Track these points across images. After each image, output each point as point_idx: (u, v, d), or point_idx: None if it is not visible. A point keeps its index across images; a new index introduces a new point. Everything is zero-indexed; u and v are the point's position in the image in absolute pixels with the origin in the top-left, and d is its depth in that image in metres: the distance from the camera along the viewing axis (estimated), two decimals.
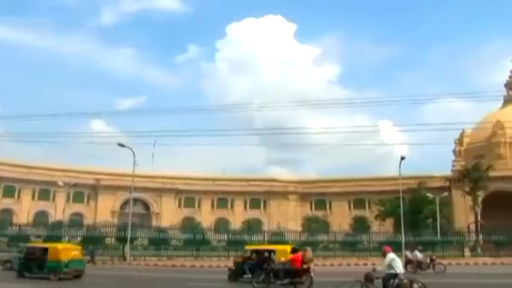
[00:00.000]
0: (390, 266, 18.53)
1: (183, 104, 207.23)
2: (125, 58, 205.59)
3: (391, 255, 18.88)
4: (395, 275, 18.37)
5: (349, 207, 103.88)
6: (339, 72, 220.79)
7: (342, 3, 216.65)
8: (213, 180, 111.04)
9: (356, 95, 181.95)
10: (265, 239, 65.08)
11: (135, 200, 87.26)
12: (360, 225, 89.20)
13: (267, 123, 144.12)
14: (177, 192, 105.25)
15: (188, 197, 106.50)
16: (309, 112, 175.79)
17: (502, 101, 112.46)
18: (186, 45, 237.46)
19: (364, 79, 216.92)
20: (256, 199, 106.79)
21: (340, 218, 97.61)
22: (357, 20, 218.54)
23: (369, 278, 19.04)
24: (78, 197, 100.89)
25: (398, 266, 18.62)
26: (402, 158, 60.62)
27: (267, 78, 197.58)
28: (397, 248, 56.78)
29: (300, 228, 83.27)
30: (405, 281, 18.46)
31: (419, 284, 19.16)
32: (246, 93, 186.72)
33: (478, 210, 73.19)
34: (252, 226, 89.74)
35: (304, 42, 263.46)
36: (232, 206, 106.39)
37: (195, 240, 62.24)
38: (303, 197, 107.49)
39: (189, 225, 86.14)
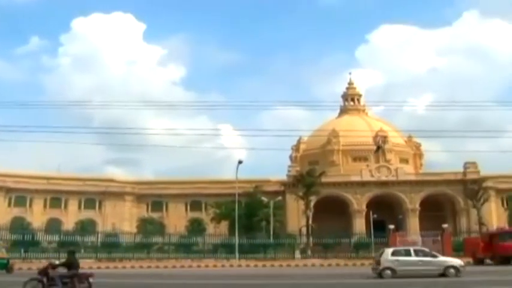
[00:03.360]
0: None
1: (22, 97, 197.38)
2: None
3: None
4: None
5: (186, 209, 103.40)
6: (183, 74, 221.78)
7: (192, 7, 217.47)
8: (47, 178, 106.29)
9: (199, 98, 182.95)
10: (99, 240, 63.67)
11: None
12: (196, 227, 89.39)
13: (108, 122, 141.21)
14: (7, 190, 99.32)
15: (19, 196, 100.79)
16: (150, 112, 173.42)
17: (338, 111, 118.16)
18: (28, 37, 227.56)
19: (207, 82, 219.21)
20: (92, 199, 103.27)
21: (177, 219, 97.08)
22: (205, 23, 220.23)
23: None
24: None
25: None
26: (240, 162, 61.86)
27: (111, 76, 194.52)
28: (231, 250, 57.99)
29: (135, 230, 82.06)
30: None
31: None
32: (88, 90, 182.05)
33: (310, 214, 75.64)
34: (86, 227, 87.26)
35: (152, 42, 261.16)
36: (66, 206, 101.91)
37: (23, 241, 59.47)
38: (140, 198, 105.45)
39: (19, 225, 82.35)
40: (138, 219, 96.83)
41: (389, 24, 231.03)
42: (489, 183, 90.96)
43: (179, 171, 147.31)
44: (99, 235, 66.59)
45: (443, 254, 56.95)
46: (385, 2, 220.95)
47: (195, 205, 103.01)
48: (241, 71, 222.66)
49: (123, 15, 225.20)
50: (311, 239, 66.97)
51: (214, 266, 49.44)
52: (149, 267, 47.09)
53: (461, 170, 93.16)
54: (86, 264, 48.05)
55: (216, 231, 79.65)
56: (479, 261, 46.39)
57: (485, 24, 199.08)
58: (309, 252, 62.43)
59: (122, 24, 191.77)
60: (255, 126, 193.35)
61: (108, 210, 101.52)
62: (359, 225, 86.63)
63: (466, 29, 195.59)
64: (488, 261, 45.79)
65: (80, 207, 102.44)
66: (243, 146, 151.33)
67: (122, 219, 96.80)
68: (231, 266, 50.13)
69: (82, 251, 61.07)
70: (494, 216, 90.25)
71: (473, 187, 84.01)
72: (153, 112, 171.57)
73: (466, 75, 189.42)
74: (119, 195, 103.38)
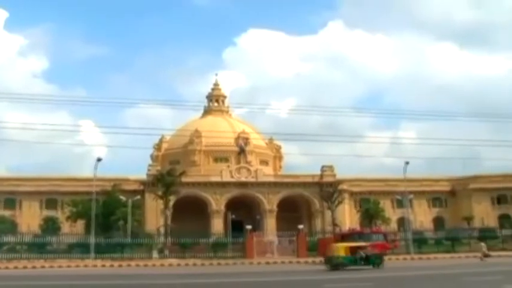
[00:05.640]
0: None
1: None
2: None
3: None
4: None
5: (41, 207, 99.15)
6: (45, 67, 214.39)
7: None
8: None
9: (60, 92, 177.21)
10: None
11: None
12: (51, 226, 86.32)
13: None
14: None
15: None
16: (7, 105, 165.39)
17: (202, 111, 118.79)
18: None
19: (70, 76, 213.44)
20: None
21: (30, 218, 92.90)
22: (70, 15, 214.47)
23: None
24: None
25: None
26: (99, 160, 60.96)
27: None
28: (87, 249, 56.65)
29: None
30: None
31: None
32: None
33: (169, 213, 75.18)
34: None
35: (13, 31, 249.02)
36: None
37: None
38: None
39: None
40: None
41: (257, 29, 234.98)
42: (344, 186, 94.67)
43: (35, 168, 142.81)
44: None
45: (298, 254, 59.10)
46: (254, 7, 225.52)
47: (51, 203, 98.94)
48: (106, 66, 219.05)
49: None
50: (169, 238, 66.59)
51: (68, 266, 48.25)
52: None
53: (319, 172, 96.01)
54: None
55: (72, 230, 77.83)
56: None
57: (349, 34, 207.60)
58: (167, 252, 62.04)
59: None
60: (117, 124, 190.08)
61: None
62: (217, 225, 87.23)
63: (330, 38, 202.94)
64: None
65: None
66: (103, 143, 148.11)
67: None
68: (86, 266, 49.20)
69: None
70: (347, 218, 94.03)
71: (328, 189, 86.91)
72: (10, 105, 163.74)
73: (328, 82, 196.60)
74: None
